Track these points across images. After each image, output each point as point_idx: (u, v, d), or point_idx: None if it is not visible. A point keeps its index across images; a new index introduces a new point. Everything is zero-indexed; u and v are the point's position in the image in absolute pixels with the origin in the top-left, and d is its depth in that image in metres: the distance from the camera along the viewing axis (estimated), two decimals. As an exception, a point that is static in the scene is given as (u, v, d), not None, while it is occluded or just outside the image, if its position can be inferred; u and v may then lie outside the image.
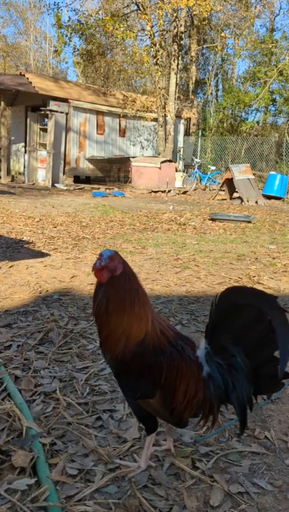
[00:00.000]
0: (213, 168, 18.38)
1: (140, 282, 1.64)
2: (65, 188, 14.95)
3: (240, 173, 13.05)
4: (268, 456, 1.86)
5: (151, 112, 17.80)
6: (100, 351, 1.66)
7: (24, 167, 16.56)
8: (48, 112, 15.05)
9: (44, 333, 2.96)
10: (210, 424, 1.66)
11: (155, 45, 16.57)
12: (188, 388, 1.60)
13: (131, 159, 16.42)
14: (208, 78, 25.62)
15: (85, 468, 1.72)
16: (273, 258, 5.68)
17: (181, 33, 17.09)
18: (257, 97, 20.90)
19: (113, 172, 17.19)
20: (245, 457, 1.85)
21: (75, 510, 1.49)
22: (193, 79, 24.83)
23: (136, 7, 16.95)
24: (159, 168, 15.32)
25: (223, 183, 13.88)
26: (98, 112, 16.78)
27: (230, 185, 13.48)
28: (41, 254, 5.28)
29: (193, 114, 22.19)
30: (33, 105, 16.05)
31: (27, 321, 3.18)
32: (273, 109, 24.53)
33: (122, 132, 17.92)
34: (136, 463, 1.76)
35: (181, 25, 16.75)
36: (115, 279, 1.55)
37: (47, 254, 5.29)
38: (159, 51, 16.71)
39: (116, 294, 1.55)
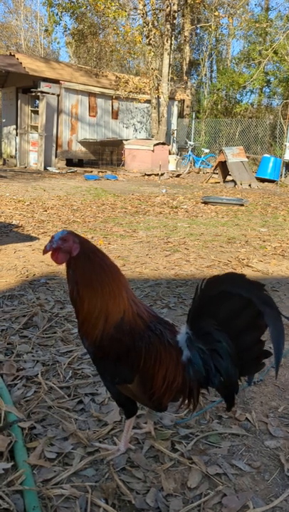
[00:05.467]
0: (207, 150, 18.22)
1: (108, 258, 1.58)
2: (58, 171, 14.78)
3: (234, 155, 12.94)
4: (248, 438, 1.87)
5: (144, 93, 17.51)
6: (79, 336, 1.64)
7: (16, 150, 16.33)
8: (39, 94, 14.77)
9: (29, 318, 2.94)
10: (191, 407, 1.65)
11: (148, 24, 16.21)
12: (167, 373, 1.58)
13: (124, 142, 16.22)
14: (202, 59, 25.19)
15: (64, 452, 1.72)
16: (264, 241, 5.67)
17: (174, 11, 16.68)
18: (251, 77, 20.57)
19: (106, 155, 16.99)
20: (225, 439, 1.86)
21: (51, 494, 1.49)
22: (187, 60, 24.38)
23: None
24: (152, 151, 15.16)
25: (216, 166, 13.77)
26: (90, 94, 16.48)
27: (223, 168, 13.38)
28: (30, 238, 5.24)
29: (187, 95, 21.87)
30: (24, 87, 15.72)
31: (12, 306, 3.16)
32: (268, 90, 24.26)
33: (115, 114, 17.66)
34: (115, 446, 1.76)
35: (174, 4, 16.33)
36: (75, 260, 1.52)
37: (36, 238, 5.25)
38: (151, 31, 16.35)
39: (82, 275, 1.51)
